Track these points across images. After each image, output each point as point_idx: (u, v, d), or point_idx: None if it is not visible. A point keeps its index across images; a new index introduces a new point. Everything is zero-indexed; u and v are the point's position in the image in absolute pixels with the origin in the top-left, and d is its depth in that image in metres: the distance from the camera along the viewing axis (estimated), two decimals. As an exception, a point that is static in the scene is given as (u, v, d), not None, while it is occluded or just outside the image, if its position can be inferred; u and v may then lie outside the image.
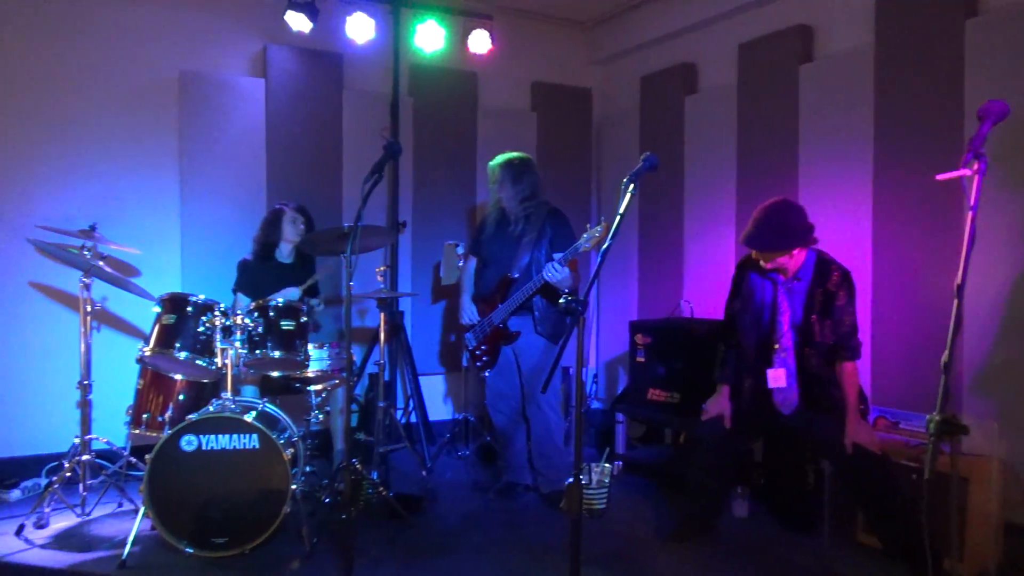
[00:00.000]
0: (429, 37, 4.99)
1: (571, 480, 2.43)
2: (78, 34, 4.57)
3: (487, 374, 4.26)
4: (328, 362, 3.92)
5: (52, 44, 4.51)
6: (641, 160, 2.75)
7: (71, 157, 4.56)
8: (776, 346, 3.34)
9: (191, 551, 3.24)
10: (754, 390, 3.44)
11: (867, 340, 3.78)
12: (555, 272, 3.80)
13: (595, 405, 5.94)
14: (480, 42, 5.16)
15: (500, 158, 4.15)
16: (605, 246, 2.67)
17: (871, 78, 4.02)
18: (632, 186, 2.71)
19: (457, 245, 5.04)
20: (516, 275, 4.05)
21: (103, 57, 4.64)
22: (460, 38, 5.16)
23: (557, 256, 3.88)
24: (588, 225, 3.64)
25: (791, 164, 4.49)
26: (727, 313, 3.62)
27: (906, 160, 3.85)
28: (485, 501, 4.20)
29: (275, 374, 3.93)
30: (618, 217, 2.66)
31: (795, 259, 3.28)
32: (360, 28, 4.85)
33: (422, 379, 5.20)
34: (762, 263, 3.33)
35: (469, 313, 4.25)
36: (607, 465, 3.98)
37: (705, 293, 5.08)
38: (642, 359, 4.73)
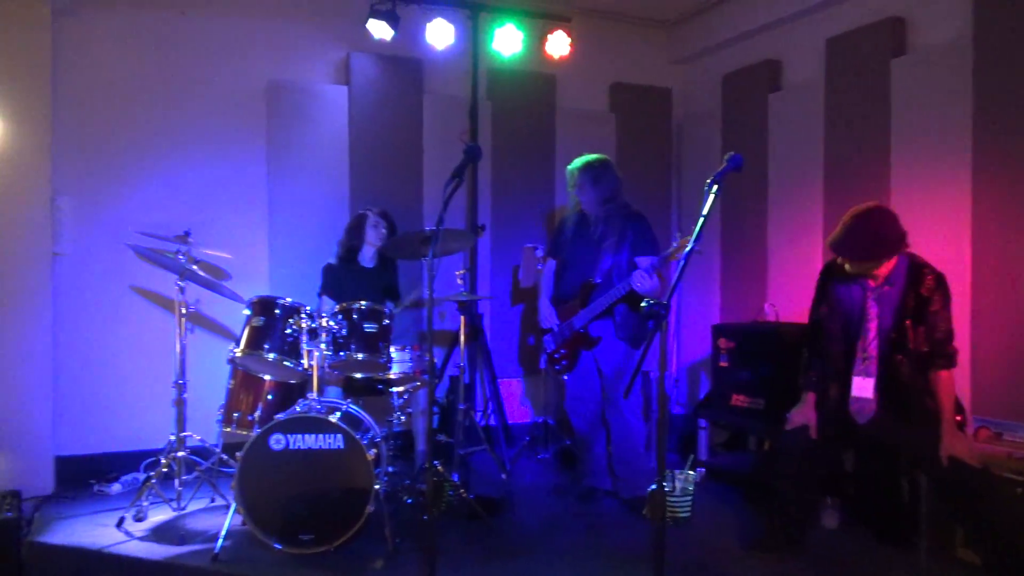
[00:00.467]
0: (507, 41, 5.02)
1: (654, 487, 2.39)
2: (172, 47, 4.78)
3: (566, 378, 4.24)
4: (410, 364, 3.97)
5: (148, 57, 4.73)
6: (725, 160, 2.68)
7: (166, 165, 4.76)
8: (863, 354, 3.22)
9: (279, 547, 3.33)
10: (840, 399, 3.33)
11: (966, 346, 3.60)
12: (644, 281, 3.75)
13: (676, 410, 5.85)
14: (558, 44, 5.16)
15: (579, 161, 4.13)
16: (688, 248, 2.62)
17: (969, 71, 3.83)
18: (716, 187, 2.65)
19: (536, 248, 5.03)
20: (598, 280, 4.02)
21: (196, 69, 4.83)
22: (538, 41, 5.17)
23: (643, 262, 3.84)
24: (679, 234, 3.59)
25: (883, 163, 4.32)
26: (812, 318, 3.51)
27: (1009, 157, 3.65)
28: (565, 505, 4.18)
29: (358, 375, 4.00)
30: (701, 219, 2.60)
31: (885, 265, 3.15)
32: (440, 34, 4.92)
33: (500, 382, 5.22)
34: (848, 268, 3.22)
35: (548, 316, 4.24)
36: (691, 472, 3.91)
37: (791, 296, 4.93)
38: (725, 364, 4.63)
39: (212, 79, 4.87)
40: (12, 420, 4.22)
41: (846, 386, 3.29)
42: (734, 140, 5.40)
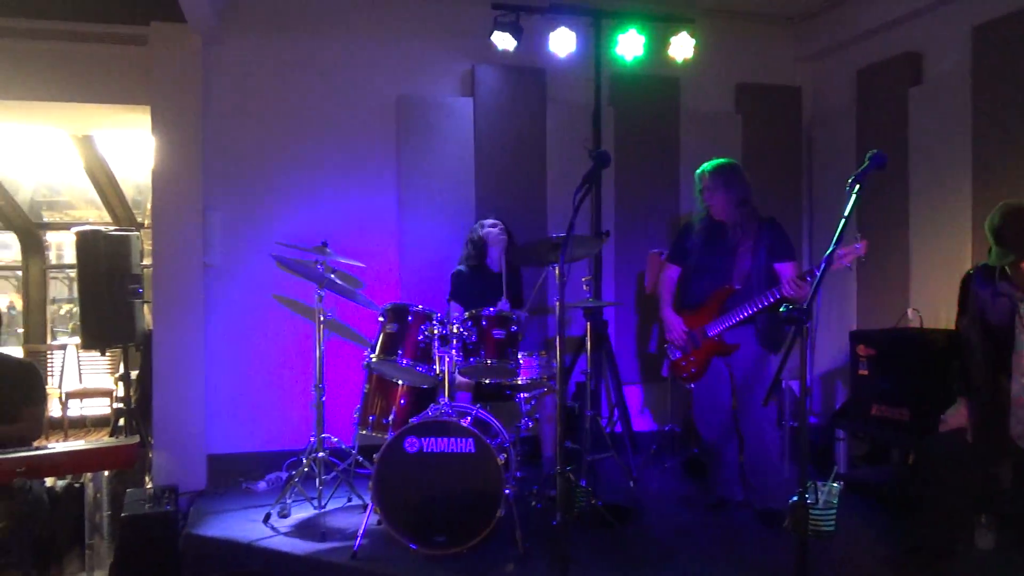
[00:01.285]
0: (630, 45, 5.00)
1: (795, 498, 2.31)
2: (309, 69, 5.04)
3: (692, 386, 4.15)
4: (537, 370, 4.00)
5: (287, 79, 5.00)
6: (867, 159, 2.60)
7: (303, 179, 5.02)
8: (1020, 371, 3.00)
9: (415, 547, 3.42)
10: (988, 414, 3.12)
11: None
12: (799, 287, 3.62)
13: (810, 420, 5.62)
14: (682, 46, 5.10)
15: (709, 164, 4.04)
16: (829, 251, 2.54)
17: None
18: (858, 187, 2.56)
19: (661, 253, 4.97)
20: (737, 286, 3.90)
21: (331, 88, 5.08)
22: (661, 44, 5.12)
23: (784, 269, 3.77)
24: (860, 234, 3.48)
25: (1041, 156, 4.02)
26: (957, 329, 3.33)
27: None
28: (696, 515, 4.09)
29: (487, 381, 4.07)
30: (843, 221, 2.52)
31: None
32: (562, 42, 4.95)
33: (624, 388, 5.18)
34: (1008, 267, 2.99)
35: (675, 325, 4.13)
36: (835, 484, 3.73)
37: (936, 302, 4.64)
38: (865, 372, 4.42)
39: (345, 96, 5.10)
40: (171, 420, 4.57)
41: (996, 400, 3.08)
42: (871, 138, 5.14)
